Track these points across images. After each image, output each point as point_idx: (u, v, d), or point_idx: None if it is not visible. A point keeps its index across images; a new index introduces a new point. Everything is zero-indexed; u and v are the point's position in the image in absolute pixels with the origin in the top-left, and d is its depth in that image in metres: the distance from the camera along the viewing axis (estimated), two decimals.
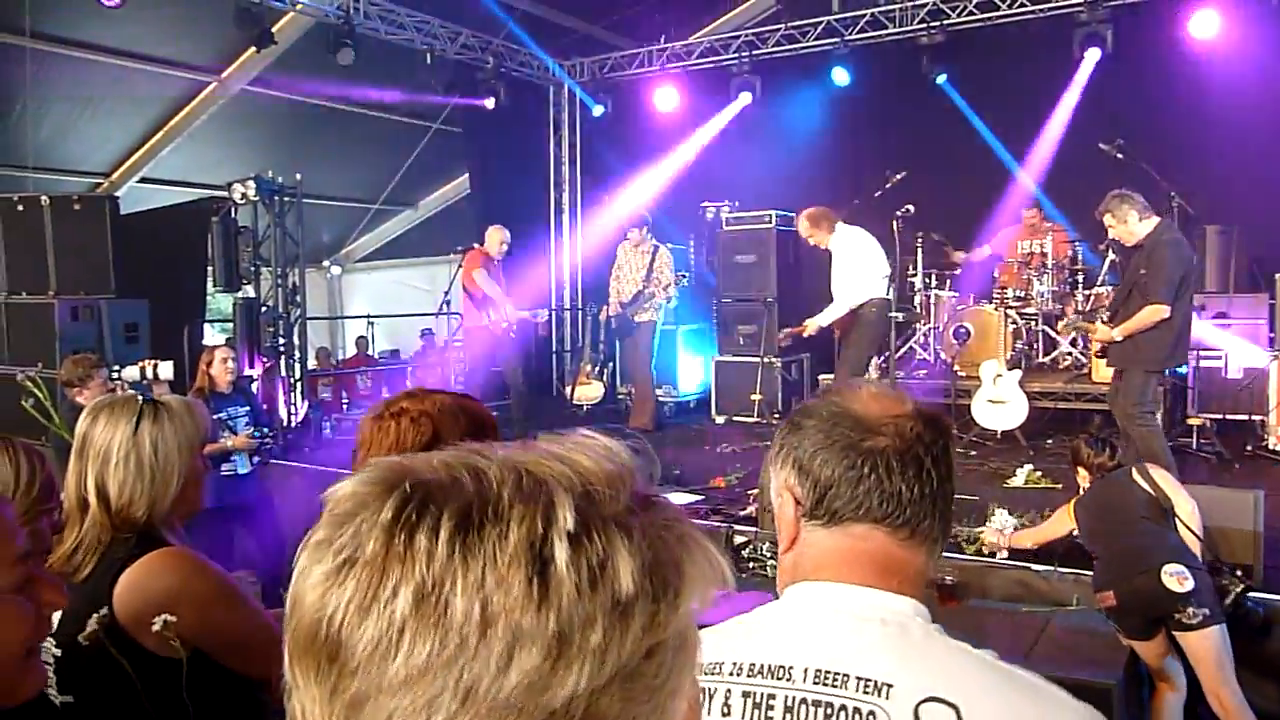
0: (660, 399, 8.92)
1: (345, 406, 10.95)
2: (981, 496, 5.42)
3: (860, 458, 1.05)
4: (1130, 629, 3.50)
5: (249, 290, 8.27)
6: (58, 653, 1.75)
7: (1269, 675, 3.65)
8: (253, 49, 8.70)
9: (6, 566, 1.03)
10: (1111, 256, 7.29)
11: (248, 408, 5.38)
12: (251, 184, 7.95)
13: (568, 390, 9.42)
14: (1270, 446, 6.47)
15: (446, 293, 8.37)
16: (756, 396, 8.32)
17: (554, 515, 0.52)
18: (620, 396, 9.38)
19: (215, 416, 5.18)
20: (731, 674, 1.01)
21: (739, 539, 4.82)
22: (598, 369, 9.20)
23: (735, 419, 8.55)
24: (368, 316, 13.18)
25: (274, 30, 8.49)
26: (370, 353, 12.87)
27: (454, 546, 0.51)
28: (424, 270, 13.52)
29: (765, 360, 8.35)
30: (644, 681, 0.53)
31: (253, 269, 8.27)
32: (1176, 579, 3.31)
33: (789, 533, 1.09)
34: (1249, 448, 6.53)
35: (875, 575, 1.03)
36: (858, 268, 6.76)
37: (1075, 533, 3.93)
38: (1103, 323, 5.48)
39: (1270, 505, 3.98)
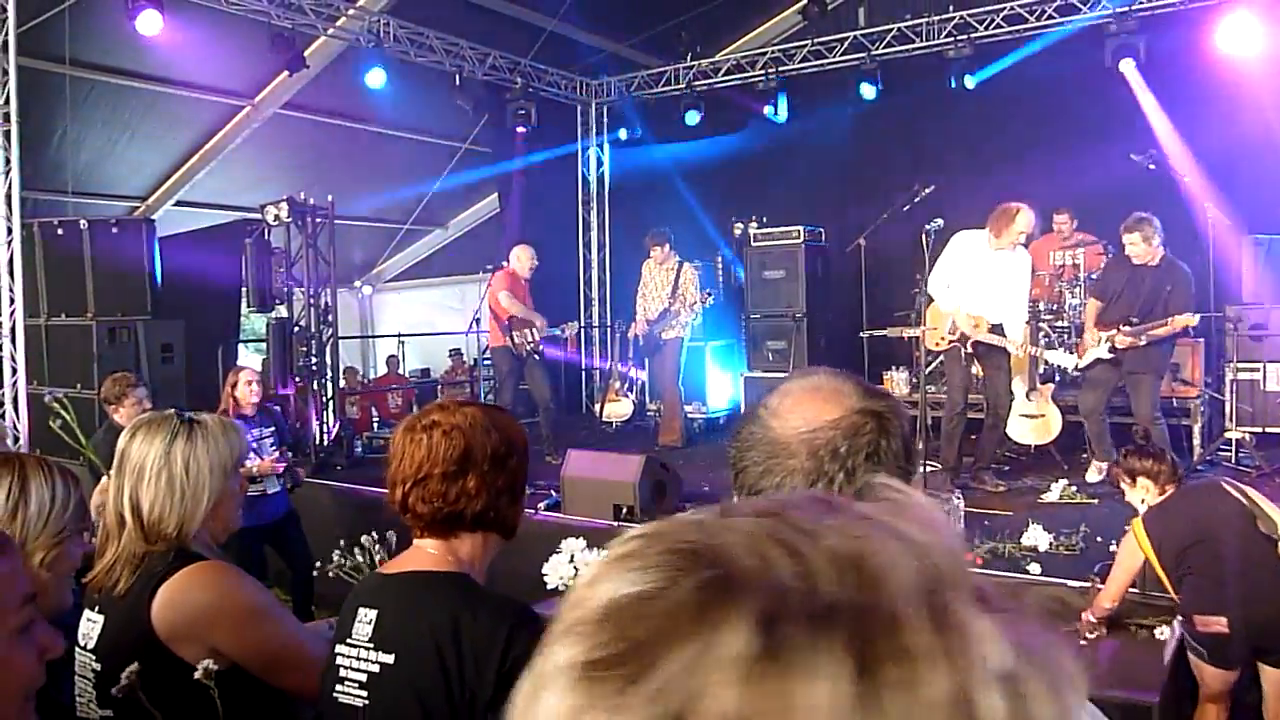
0: (689, 415, 8.91)
1: (376, 425, 11.06)
2: (1016, 513, 5.36)
3: (769, 481, 1.00)
4: (1226, 658, 3.24)
5: (282, 310, 8.37)
6: (97, 667, 1.78)
7: None
8: (285, 73, 8.86)
9: (13, 610, 1.01)
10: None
11: (273, 429, 5.42)
12: (284, 205, 8.06)
13: (596, 408, 9.43)
14: None
15: (476, 311, 8.43)
16: None
17: (971, 644, 0.35)
18: (649, 413, 9.38)
19: None
20: None
21: None
22: (626, 386, 9.21)
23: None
24: (398, 336, 13.29)
25: (306, 54, 8.63)
26: (400, 372, 12.99)
27: (858, 699, 0.33)
28: (454, 289, 13.62)
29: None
30: None
31: (285, 289, 8.38)
32: None
33: None
34: None
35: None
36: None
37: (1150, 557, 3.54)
38: (1120, 331, 5.81)
39: None
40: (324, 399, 8.51)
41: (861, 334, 8.62)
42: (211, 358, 7.66)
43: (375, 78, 8.83)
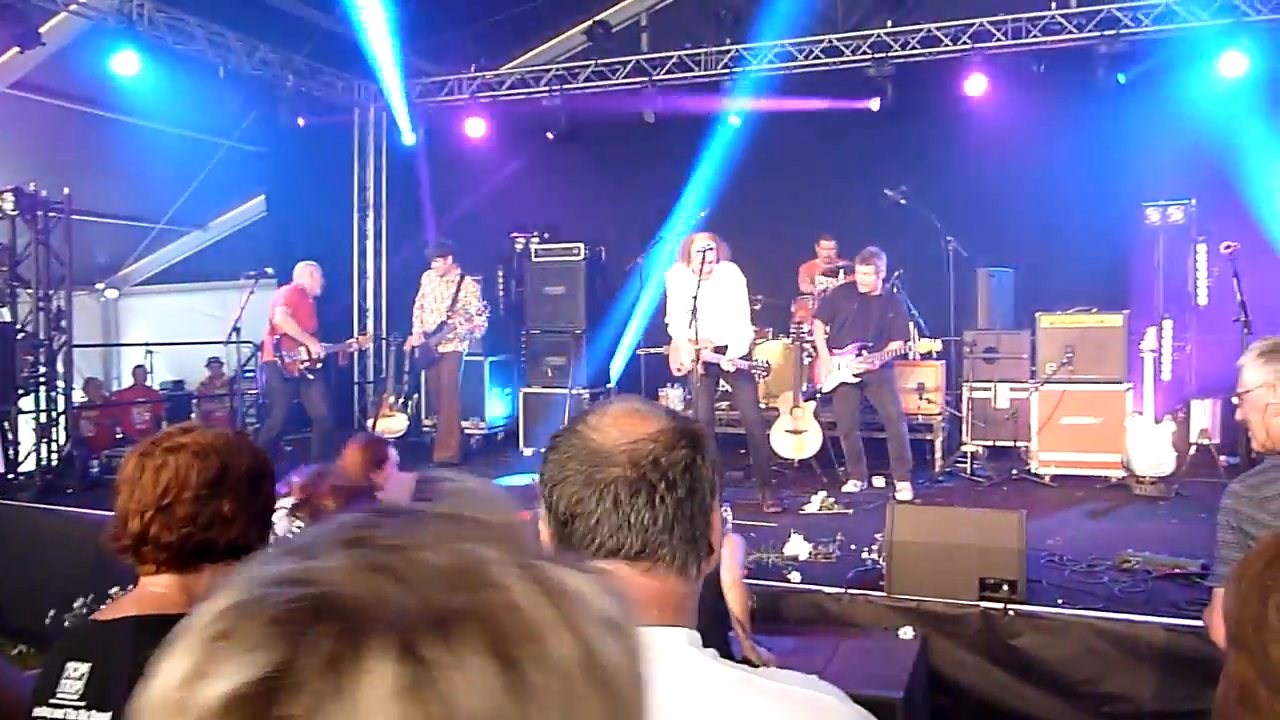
0: (467, 431, 8.74)
1: (120, 441, 10.07)
2: (780, 524, 5.62)
3: (591, 490, 1.03)
4: None
5: (4, 314, 7.48)
6: None
7: (1029, 679, 3.94)
8: (16, 49, 7.92)
9: None
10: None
11: None
12: (9, 197, 7.24)
13: (369, 423, 9.06)
14: (1032, 470, 7.07)
15: (237, 320, 7.88)
16: None
17: (578, 602, 0.42)
18: (425, 429, 9.12)
19: None
20: None
21: None
22: (401, 401, 8.91)
23: (543, 451, 8.47)
24: (145, 344, 12.15)
25: (42, 30, 7.76)
26: (149, 384, 11.90)
27: (510, 687, 0.37)
28: (214, 296, 12.66)
29: (573, 392, 8.35)
30: None
31: (8, 290, 7.50)
32: None
33: None
34: (1014, 471, 7.11)
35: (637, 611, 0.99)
36: (745, 309, 6.36)
37: None
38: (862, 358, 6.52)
39: (1032, 524, 4.32)
40: (54, 414, 7.64)
41: (638, 351, 8.82)
42: None
43: (126, 63, 8.07)
